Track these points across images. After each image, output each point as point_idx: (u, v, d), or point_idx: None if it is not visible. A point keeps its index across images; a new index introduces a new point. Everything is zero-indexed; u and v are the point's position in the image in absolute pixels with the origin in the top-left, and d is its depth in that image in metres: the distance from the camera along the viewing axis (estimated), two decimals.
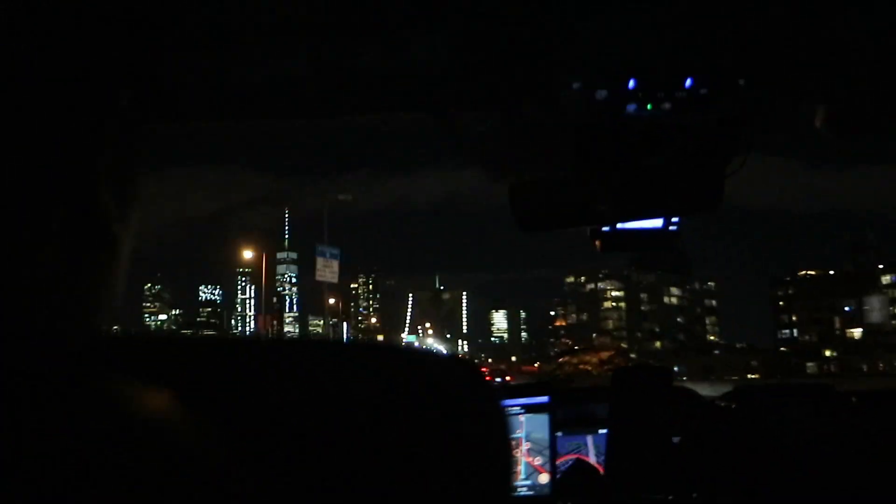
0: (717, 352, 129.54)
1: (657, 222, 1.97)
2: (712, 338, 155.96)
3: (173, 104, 1.33)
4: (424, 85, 1.55)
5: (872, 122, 1.83)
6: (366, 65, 1.44)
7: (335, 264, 30.19)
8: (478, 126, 1.72)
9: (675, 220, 1.97)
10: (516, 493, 2.43)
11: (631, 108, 1.46)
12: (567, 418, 2.58)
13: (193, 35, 1.16)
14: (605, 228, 2.01)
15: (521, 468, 2.47)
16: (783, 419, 2.33)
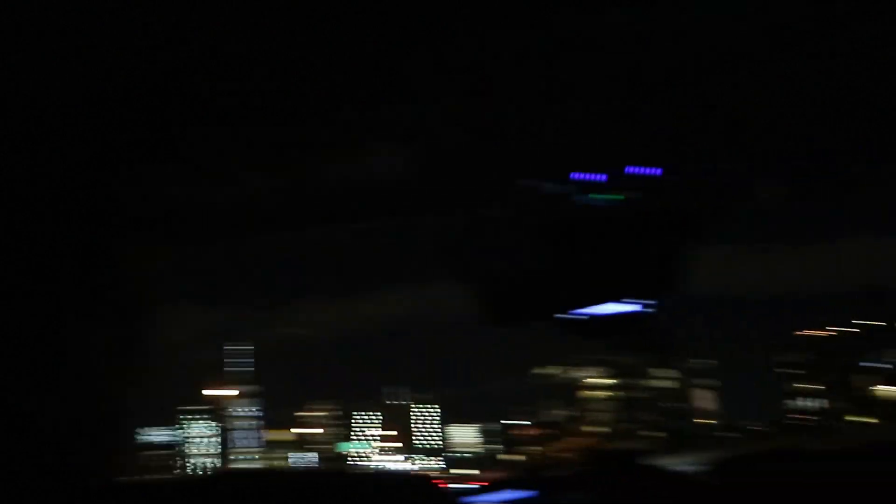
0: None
1: (632, 306, 2.24)
2: (713, 421, 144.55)
3: (167, 229, 1.63)
4: (388, 194, 1.85)
5: (829, 194, 2.23)
6: (332, 178, 1.76)
7: None
8: (443, 231, 2.01)
9: (649, 301, 2.24)
10: None
11: (590, 198, 1.74)
12: None
13: (179, 166, 1.51)
14: (579, 316, 2.26)
15: None
16: (768, 496, 2.51)
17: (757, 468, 2.63)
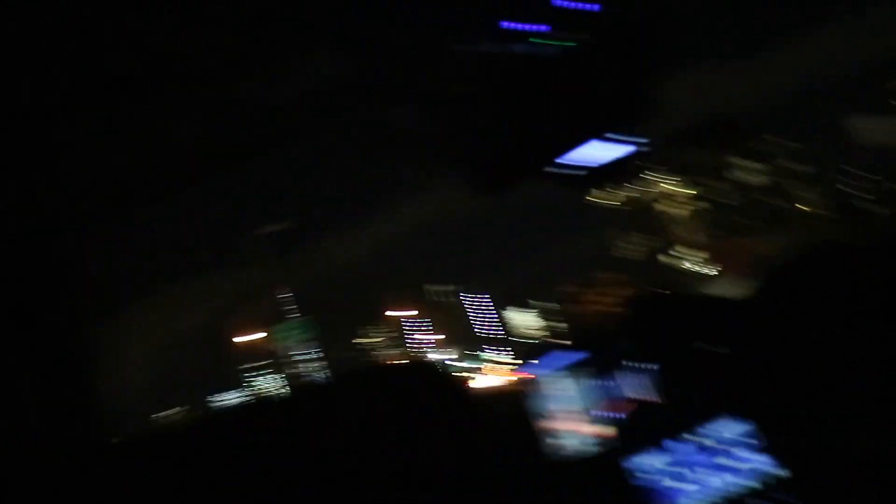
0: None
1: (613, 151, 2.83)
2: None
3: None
4: (345, 96, 2.24)
5: None
6: (277, 96, 2.15)
7: None
8: (414, 122, 2.42)
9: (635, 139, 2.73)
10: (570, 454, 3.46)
11: (537, 45, 2.05)
12: (596, 363, 3.27)
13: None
14: (569, 165, 2.89)
15: (561, 430, 3.47)
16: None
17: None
